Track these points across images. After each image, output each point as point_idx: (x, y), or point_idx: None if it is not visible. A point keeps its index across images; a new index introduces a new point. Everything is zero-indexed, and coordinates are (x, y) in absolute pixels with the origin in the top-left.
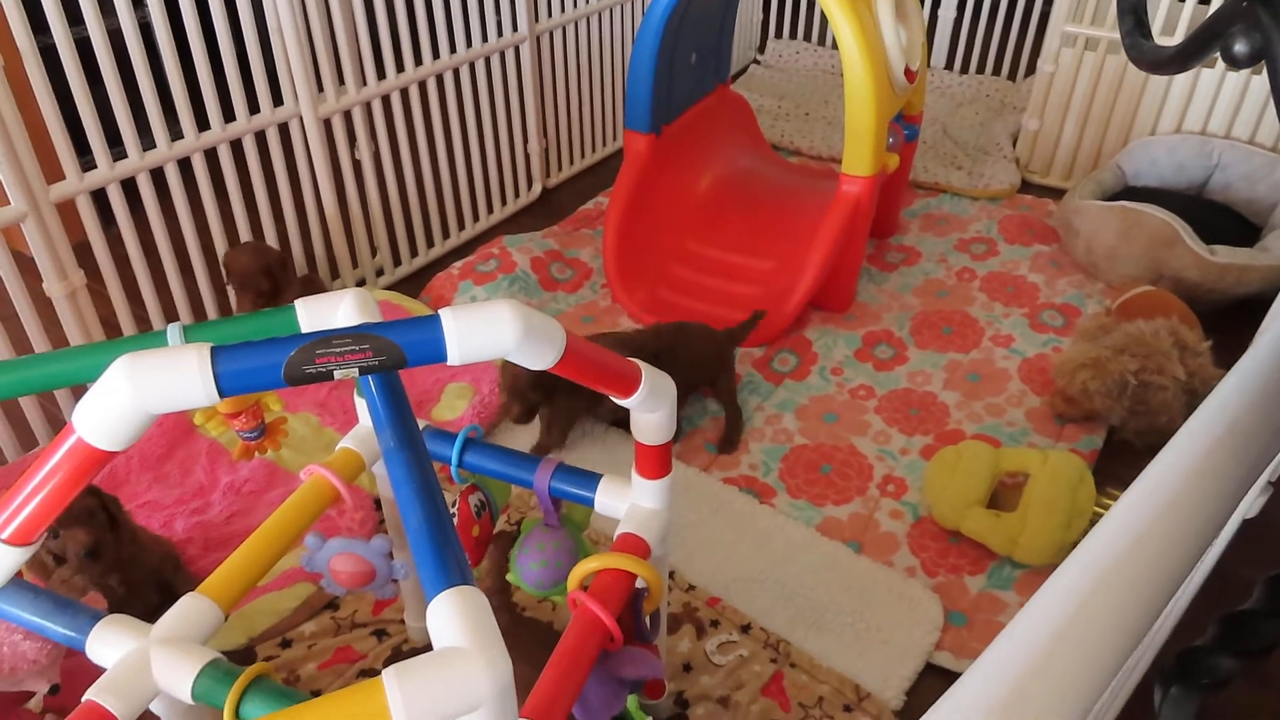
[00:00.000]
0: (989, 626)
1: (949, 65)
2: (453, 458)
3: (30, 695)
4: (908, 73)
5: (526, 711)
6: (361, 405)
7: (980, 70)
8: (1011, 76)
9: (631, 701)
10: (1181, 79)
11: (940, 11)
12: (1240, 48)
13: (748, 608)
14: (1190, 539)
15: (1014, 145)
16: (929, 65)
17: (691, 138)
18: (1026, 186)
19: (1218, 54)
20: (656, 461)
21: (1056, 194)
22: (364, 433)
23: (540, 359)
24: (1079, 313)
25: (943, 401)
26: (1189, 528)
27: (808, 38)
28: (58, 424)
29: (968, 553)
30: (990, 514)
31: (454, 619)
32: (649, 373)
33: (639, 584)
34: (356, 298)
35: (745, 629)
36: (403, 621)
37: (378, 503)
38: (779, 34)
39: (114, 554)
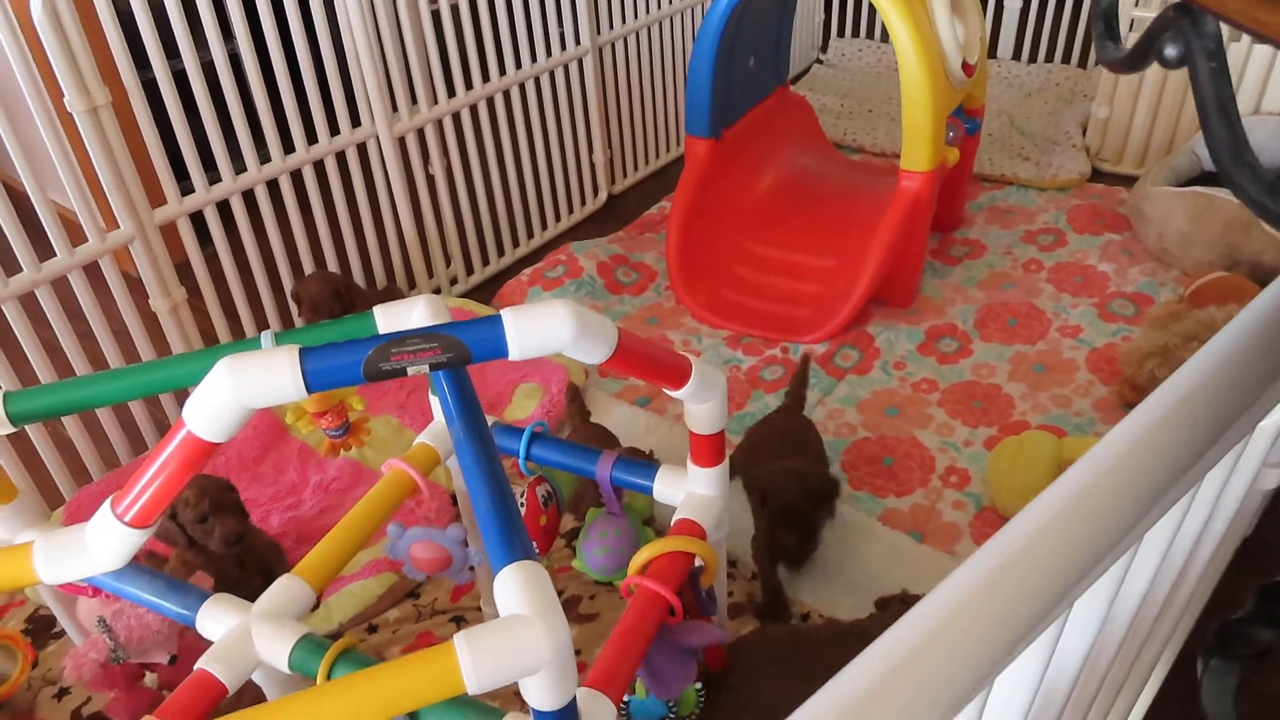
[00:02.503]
0: None
1: (1016, 55)
2: (520, 451)
3: (151, 669)
4: (966, 67)
5: (589, 681)
6: (436, 404)
7: (1049, 59)
8: (1082, 64)
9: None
10: (1259, 59)
11: (1006, 1)
12: (1169, 52)
13: (810, 597)
14: (1144, 490)
15: (1084, 134)
16: (995, 56)
17: (751, 140)
18: (1097, 175)
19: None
20: (710, 450)
21: (1128, 182)
22: (439, 429)
23: (594, 353)
24: (1151, 301)
25: (1007, 393)
26: (1143, 478)
27: (870, 35)
28: (163, 428)
29: None
30: None
31: (517, 590)
32: (699, 366)
33: (697, 564)
34: (428, 303)
35: (805, 617)
36: (479, 609)
37: (454, 497)
38: (841, 32)
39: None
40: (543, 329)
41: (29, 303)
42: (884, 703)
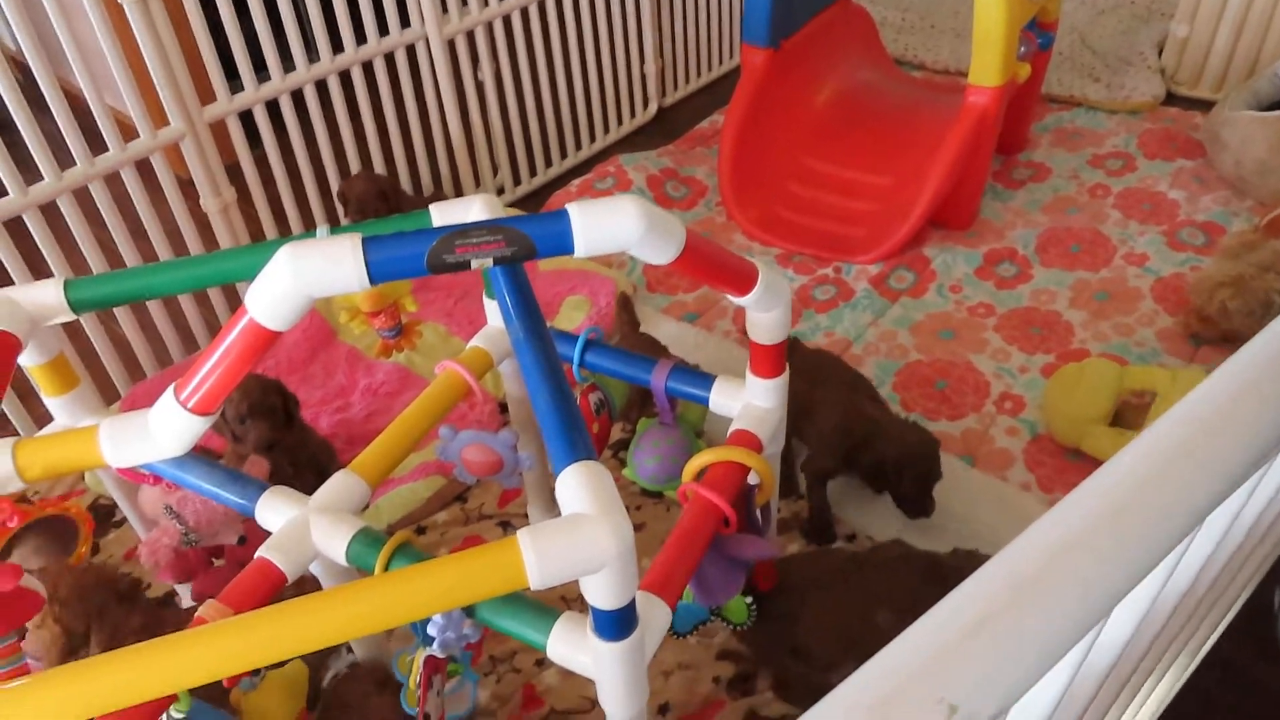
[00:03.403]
0: None
1: None
2: (574, 358)
3: (220, 552)
4: None
5: (644, 585)
6: (491, 307)
7: None
8: None
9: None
10: None
11: None
12: None
13: (856, 517)
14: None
15: (1159, 54)
16: None
17: (810, 52)
18: (1171, 99)
19: None
20: (771, 361)
21: (1205, 106)
22: (493, 332)
23: (661, 253)
24: (1223, 231)
25: (1067, 320)
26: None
27: None
28: (214, 329)
29: (1086, 470)
30: (1113, 432)
31: (581, 488)
32: (765, 271)
33: (751, 479)
34: (485, 201)
35: (850, 539)
36: (525, 515)
37: (503, 406)
38: None
39: (288, 441)
40: (610, 224)
41: (83, 198)
42: (1012, 623)
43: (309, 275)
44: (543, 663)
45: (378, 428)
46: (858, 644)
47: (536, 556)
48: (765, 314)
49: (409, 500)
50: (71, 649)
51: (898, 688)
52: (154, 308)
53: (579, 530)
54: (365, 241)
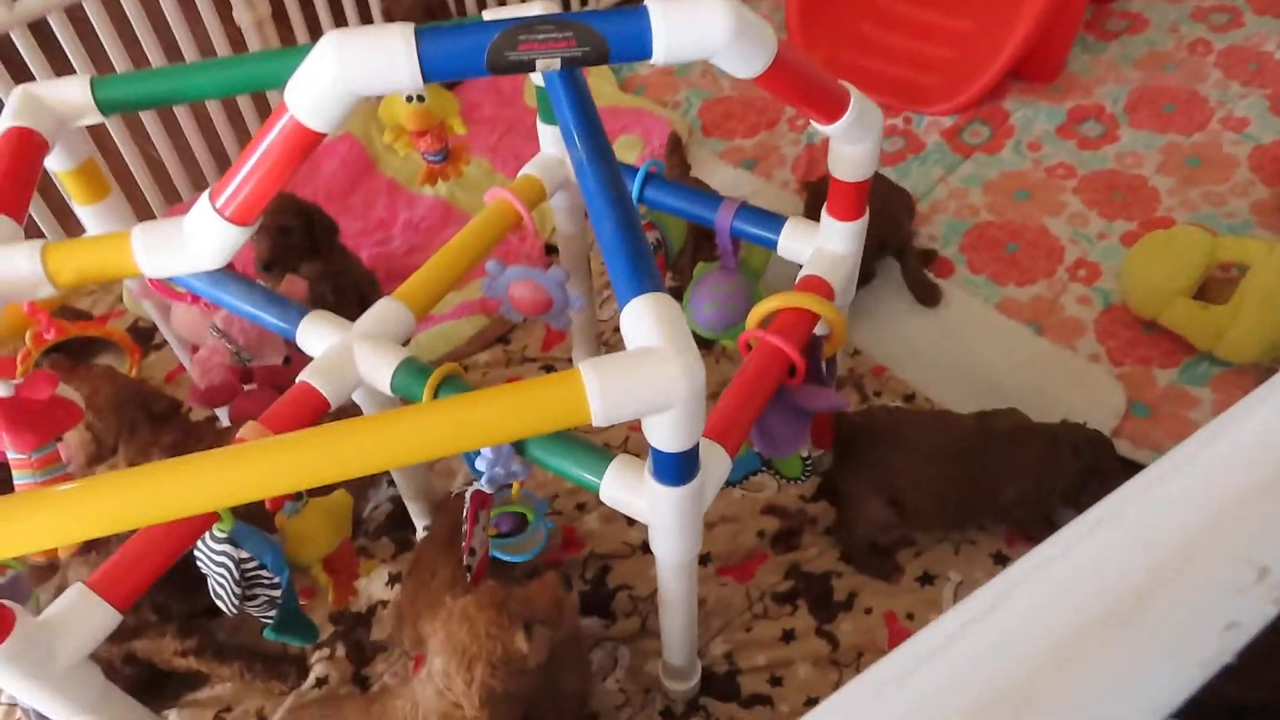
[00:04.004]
0: (1176, 421)
1: None
2: (633, 191)
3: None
4: None
5: (706, 432)
6: (546, 133)
7: None
8: None
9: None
10: None
11: None
12: None
13: (914, 378)
14: None
15: None
16: None
17: None
18: None
19: None
20: (852, 200)
21: None
22: (546, 160)
23: (749, 63)
24: None
25: (1154, 186)
26: None
27: None
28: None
29: (1161, 344)
30: (1197, 305)
31: (649, 321)
32: (858, 98)
33: (819, 330)
34: (545, 9)
35: (909, 398)
36: (570, 360)
37: (548, 249)
38: None
39: (330, 267)
40: (695, 25)
41: (113, 8)
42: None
43: (355, 67)
44: (584, 506)
45: (417, 263)
46: (972, 511)
47: (600, 390)
48: (852, 146)
49: (450, 338)
50: (99, 457)
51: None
52: (189, 129)
53: (647, 365)
54: (419, 32)
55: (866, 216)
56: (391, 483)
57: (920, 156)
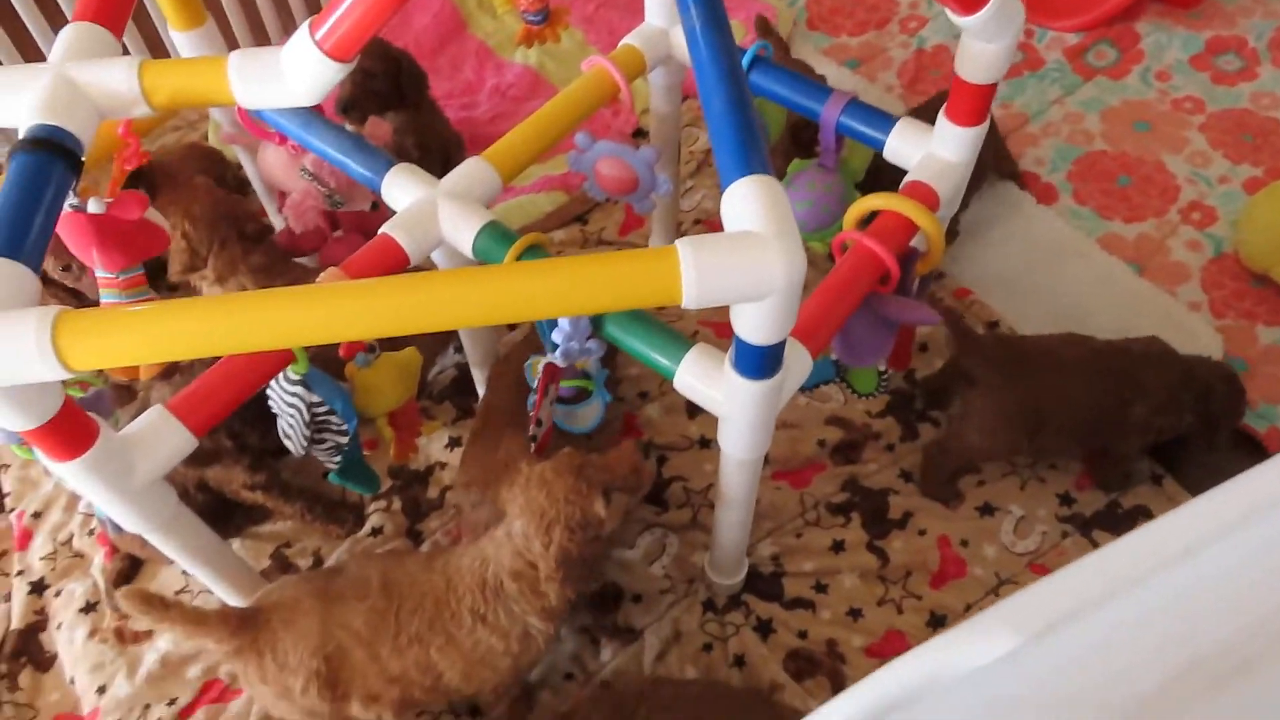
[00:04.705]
0: (1272, 381)
1: None
2: None
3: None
4: None
5: (791, 330)
6: (652, 3)
7: None
8: None
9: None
10: None
11: None
12: None
13: (1000, 306)
14: None
15: None
16: None
17: None
18: None
19: None
20: (975, 104)
21: None
22: (650, 32)
23: None
24: None
25: None
26: None
27: None
28: None
29: (1270, 300)
30: None
31: (754, 204)
32: None
33: (916, 243)
34: None
35: (993, 325)
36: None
37: (637, 133)
38: None
39: (417, 122)
40: None
41: None
42: None
43: None
44: (645, 395)
45: (501, 131)
46: (1100, 430)
47: (696, 271)
48: (986, 44)
49: (529, 211)
50: (192, 267)
51: None
52: None
53: (748, 249)
54: None
55: (986, 125)
56: (458, 349)
57: (1038, 74)
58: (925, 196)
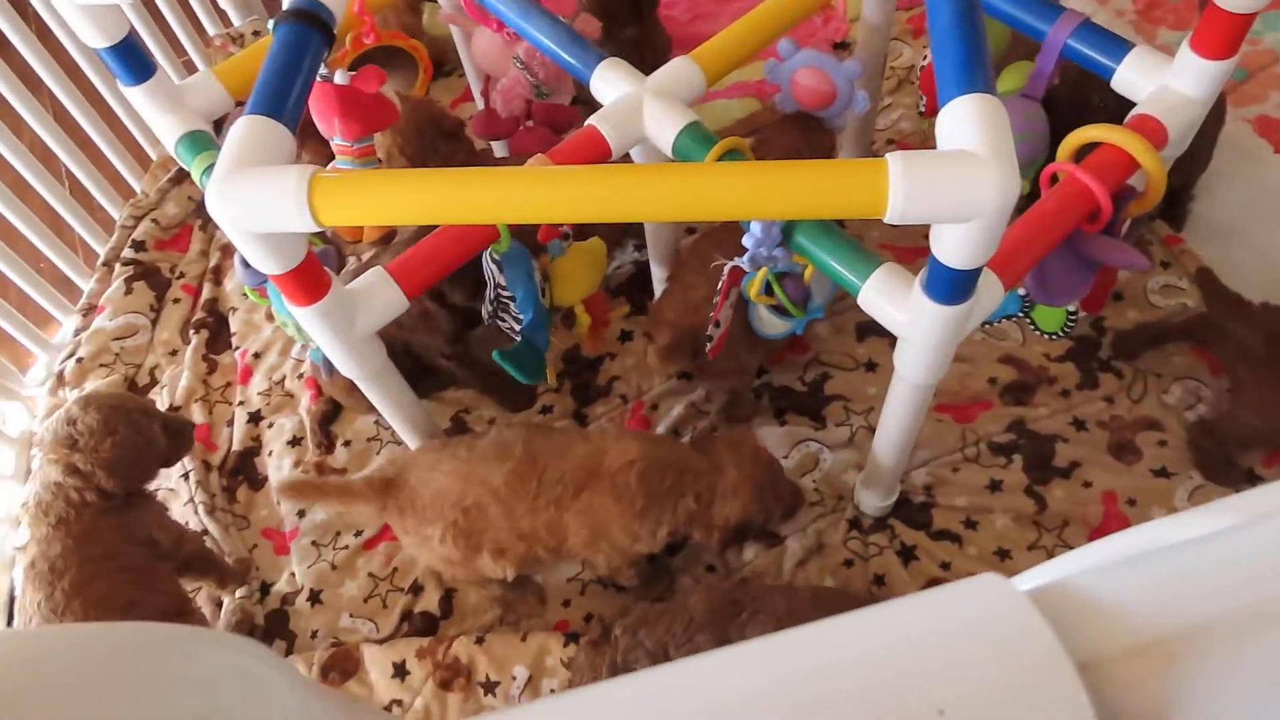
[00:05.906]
0: None
1: None
2: None
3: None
4: None
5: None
6: None
7: None
8: None
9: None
10: None
11: None
12: None
13: (1212, 257)
14: None
15: None
16: None
17: None
18: None
19: None
20: (1227, 36)
21: None
22: None
23: None
24: None
25: None
26: None
27: None
28: None
29: None
30: None
31: (972, 123)
32: None
33: (1134, 182)
34: None
35: (1201, 272)
36: None
37: (839, 44)
38: None
39: (638, 32)
40: None
41: None
42: None
43: None
44: None
45: (701, 33)
46: None
47: (905, 185)
48: None
49: (720, 117)
50: None
51: None
52: None
53: (962, 168)
54: None
55: (1235, 60)
56: (638, 247)
57: None
58: (1154, 133)
